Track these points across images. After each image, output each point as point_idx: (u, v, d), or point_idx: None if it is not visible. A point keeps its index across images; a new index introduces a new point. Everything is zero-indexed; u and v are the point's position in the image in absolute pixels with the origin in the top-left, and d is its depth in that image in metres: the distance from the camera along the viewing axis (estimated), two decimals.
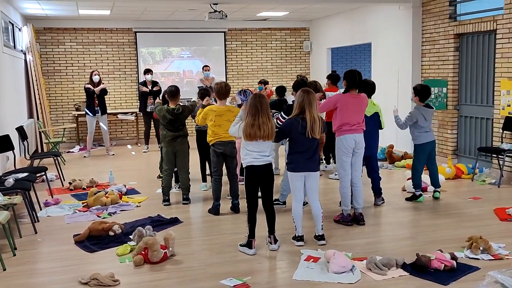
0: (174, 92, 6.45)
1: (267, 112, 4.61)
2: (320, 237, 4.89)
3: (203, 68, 11.47)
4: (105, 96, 10.72)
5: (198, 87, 7.97)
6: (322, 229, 4.92)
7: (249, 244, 4.69)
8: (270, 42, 13.61)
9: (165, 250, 4.54)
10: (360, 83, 5.52)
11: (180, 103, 6.53)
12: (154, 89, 10.73)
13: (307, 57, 13.89)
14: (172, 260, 4.56)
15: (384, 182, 6.55)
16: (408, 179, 6.79)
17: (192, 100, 7.17)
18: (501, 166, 7.26)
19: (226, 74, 13.30)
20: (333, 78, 8.59)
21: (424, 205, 6.29)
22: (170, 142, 6.42)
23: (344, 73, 5.62)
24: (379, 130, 6.29)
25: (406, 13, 9.50)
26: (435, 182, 6.52)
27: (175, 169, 6.64)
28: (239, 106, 6.38)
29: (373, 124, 6.09)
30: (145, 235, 4.81)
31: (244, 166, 4.74)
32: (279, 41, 13.67)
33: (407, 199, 6.47)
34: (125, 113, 12.13)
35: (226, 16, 8.73)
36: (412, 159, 6.61)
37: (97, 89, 10.39)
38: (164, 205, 6.44)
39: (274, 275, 4.31)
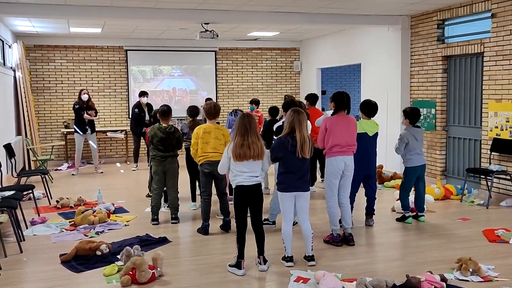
0: (166, 111, 6.46)
1: (256, 132, 4.62)
2: (310, 258, 4.86)
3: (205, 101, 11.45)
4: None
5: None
6: (312, 249, 4.89)
7: (238, 265, 4.65)
8: (260, 62, 13.71)
9: (153, 271, 4.48)
10: (348, 105, 5.55)
11: (172, 123, 6.54)
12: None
13: (297, 77, 13.99)
14: (160, 281, 4.50)
15: (376, 201, 6.55)
16: (398, 199, 6.80)
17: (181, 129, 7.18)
18: (489, 187, 7.31)
19: (216, 93, 13.33)
20: (311, 99, 8.27)
21: (414, 226, 6.30)
22: (160, 161, 6.38)
23: (332, 94, 5.66)
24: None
25: (395, 35, 9.63)
26: (419, 206, 6.52)
27: (165, 188, 6.60)
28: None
29: (374, 143, 6.12)
30: (133, 255, 4.75)
31: (233, 186, 4.72)
32: (270, 60, 13.77)
33: (397, 219, 6.47)
34: (115, 131, 12.07)
35: (217, 36, 8.79)
36: (401, 180, 6.62)
37: (87, 117, 10.34)
38: (153, 224, 6.38)
39: None
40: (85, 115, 10.34)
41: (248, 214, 4.76)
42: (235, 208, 4.72)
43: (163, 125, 6.37)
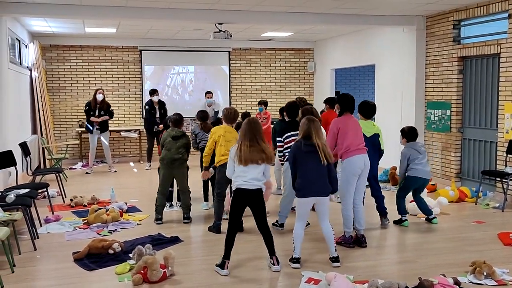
0: (178, 120, 6.60)
1: (263, 136, 4.68)
2: (335, 259, 4.86)
3: (205, 94, 11.53)
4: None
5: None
6: (336, 250, 4.88)
7: (222, 265, 4.66)
8: (274, 62, 13.69)
9: (164, 270, 4.49)
10: (352, 106, 5.56)
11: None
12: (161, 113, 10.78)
13: (311, 77, 13.95)
14: (171, 280, 4.51)
15: (387, 203, 6.50)
16: (412, 201, 6.74)
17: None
18: (505, 190, 7.20)
19: (230, 93, 13.35)
20: (331, 102, 8.02)
21: (427, 228, 6.23)
22: (168, 164, 6.42)
23: (337, 97, 5.66)
24: (382, 151, 6.26)
25: (410, 36, 9.55)
26: (426, 210, 6.47)
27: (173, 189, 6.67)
28: None
29: (373, 145, 6.07)
30: (144, 254, 4.76)
31: (233, 188, 4.74)
32: (283, 61, 13.75)
33: (394, 222, 6.40)
34: (129, 131, 12.15)
35: (231, 36, 8.79)
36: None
37: (94, 119, 10.43)
38: (157, 223, 6.42)
39: None
40: (92, 118, 10.42)
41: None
42: (231, 209, 4.73)
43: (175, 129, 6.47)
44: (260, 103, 10.92)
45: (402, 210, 6.41)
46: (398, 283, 4.18)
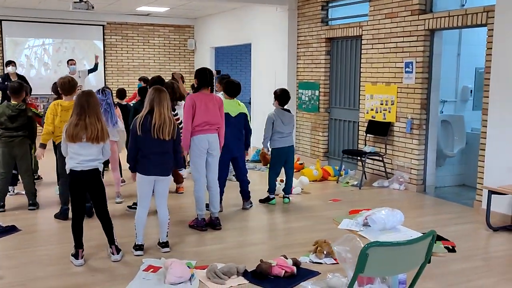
0: (16, 88, 5.87)
1: (96, 112, 4.25)
2: (164, 244, 4.61)
3: (67, 62, 10.68)
4: None
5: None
6: (167, 236, 4.64)
7: (75, 255, 4.32)
8: (152, 39, 13.13)
9: None
10: (211, 82, 5.31)
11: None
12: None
13: (191, 55, 13.60)
14: None
15: (255, 184, 6.42)
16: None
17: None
18: (363, 168, 7.46)
19: (105, 70, 12.60)
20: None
21: (287, 208, 6.25)
22: (7, 142, 5.78)
23: (195, 71, 5.39)
24: (250, 131, 6.12)
25: (283, 15, 9.54)
26: (287, 188, 6.49)
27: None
28: None
29: (238, 124, 5.92)
30: None
31: (67, 171, 4.33)
32: (163, 37, 13.24)
33: (260, 200, 6.39)
34: None
35: (93, 8, 8.16)
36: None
37: None
38: None
39: None
40: None
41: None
42: (70, 194, 4.34)
43: (13, 102, 5.77)
44: (140, 79, 10.41)
45: (271, 188, 6.37)
46: (237, 267, 4.08)
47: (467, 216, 5.97)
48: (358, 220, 3.35)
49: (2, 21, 11.50)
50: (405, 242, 2.41)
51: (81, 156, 4.22)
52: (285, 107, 6.33)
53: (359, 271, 2.37)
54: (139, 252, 4.52)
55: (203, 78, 5.24)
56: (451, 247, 4.75)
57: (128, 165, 4.60)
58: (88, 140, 4.19)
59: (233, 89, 5.90)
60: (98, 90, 7.01)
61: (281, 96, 6.24)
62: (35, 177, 6.89)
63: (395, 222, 3.15)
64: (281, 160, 6.31)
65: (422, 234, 2.62)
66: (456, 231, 5.36)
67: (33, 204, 5.97)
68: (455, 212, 6.16)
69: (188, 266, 4.11)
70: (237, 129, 5.89)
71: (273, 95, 6.32)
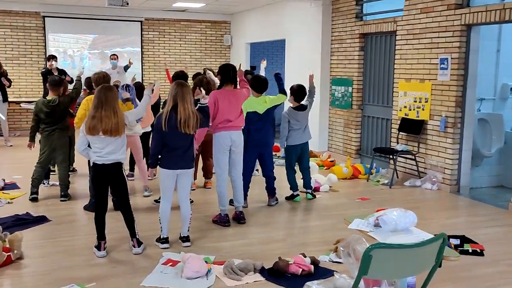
0: (56, 82, 6.08)
1: (114, 106, 4.30)
2: (186, 239, 4.65)
3: (110, 57, 10.94)
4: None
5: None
6: (188, 230, 4.67)
7: (98, 246, 4.42)
8: (189, 34, 13.24)
9: (8, 253, 4.14)
10: (234, 78, 5.30)
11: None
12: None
13: (227, 51, 13.64)
14: (17, 264, 4.18)
15: (281, 180, 6.38)
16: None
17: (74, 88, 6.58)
18: (394, 167, 7.30)
19: (142, 65, 12.81)
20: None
21: (312, 205, 6.18)
22: (48, 136, 6.02)
23: (218, 67, 5.39)
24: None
25: (317, 11, 9.42)
26: (306, 184, 6.43)
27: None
28: (126, 100, 5.98)
29: (267, 121, 5.90)
30: None
31: (91, 164, 4.43)
32: (199, 33, 13.33)
33: (286, 198, 6.35)
34: (30, 102, 11.38)
35: (127, 4, 8.30)
36: (314, 157, 6.50)
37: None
38: (31, 198, 6.04)
39: (124, 281, 3.95)
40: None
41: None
42: (93, 187, 4.43)
43: (48, 98, 5.98)
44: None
45: (293, 186, 6.34)
46: (254, 264, 4.07)
47: (501, 219, 5.75)
48: (370, 220, 3.26)
49: (45, 18, 11.86)
50: (411, 245, 2.33)
51: (102, 150, 4.31)
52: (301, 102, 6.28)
53: (362, 273, 2.32)
54: (165, 245, 4.58)
55: (226, 74, 5.23)
56: (479, 250, 4.60)
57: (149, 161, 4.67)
58: (104, 133, 4.26)
59: (260, 84, 5.86)
60: (122, 86, 7.16)
61: (298, 92, 6.19)
62: (70, 169, 7.10)
63: (407, 224, 3.05)
64: (295, 156, 6.28)
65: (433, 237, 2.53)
66: (487, 234, 5.18)
67: (65, 195, 6.15)
68: (489, 215, 5.94)
69: (205, 261, 4.13)
70: (265, 126, 5.86)
71: (289, 90, 6.26)
